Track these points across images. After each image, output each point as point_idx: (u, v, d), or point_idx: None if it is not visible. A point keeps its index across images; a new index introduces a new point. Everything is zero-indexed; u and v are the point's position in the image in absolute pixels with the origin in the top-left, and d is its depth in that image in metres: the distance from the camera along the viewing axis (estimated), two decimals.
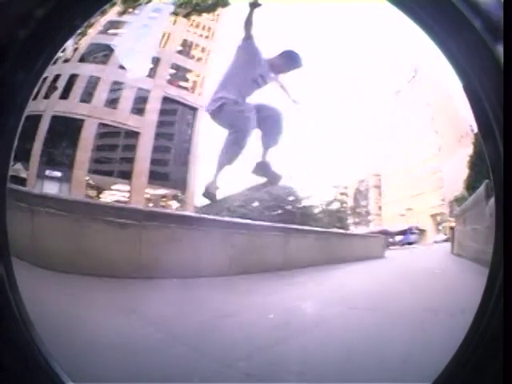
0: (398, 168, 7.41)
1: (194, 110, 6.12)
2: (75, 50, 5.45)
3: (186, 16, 5.96)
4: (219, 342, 1.69)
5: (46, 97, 5.20)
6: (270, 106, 3.98)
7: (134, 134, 5.77)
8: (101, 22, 5.46)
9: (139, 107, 5.82)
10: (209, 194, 3.91)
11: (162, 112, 5.85)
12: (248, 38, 3.70)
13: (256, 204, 5.27)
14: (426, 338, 1.68)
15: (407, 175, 7.30)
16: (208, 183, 3.95)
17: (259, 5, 3.48)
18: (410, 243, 7.19)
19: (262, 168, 3.95)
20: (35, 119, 5.10)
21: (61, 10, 0.68)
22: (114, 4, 5.21)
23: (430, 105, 6.62)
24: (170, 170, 6.16)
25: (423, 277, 3.72)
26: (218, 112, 3.88)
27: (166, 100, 5.93)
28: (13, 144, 0.72)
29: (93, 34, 5.59)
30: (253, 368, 1.45)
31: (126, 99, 5.78)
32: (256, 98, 4.02)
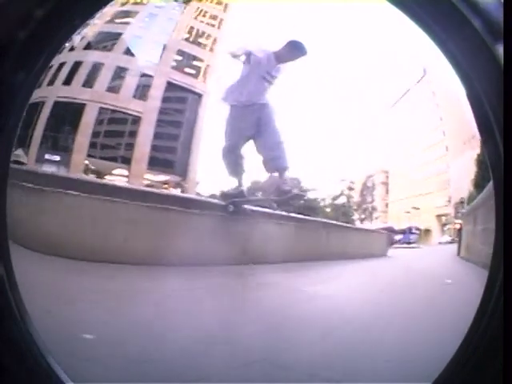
0: (406, 166, 7.40)
1: (198, 96, 6.09)
2: (81, 39, 5.44)
3: (187, 2, 5.95)
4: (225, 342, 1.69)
5: (50, 84, 5.19)
6: (270, 124, 4.14)
7: (135, 119, 5.76)
8: (107, 11, 5.45)
9: (142, 92, 5.81)
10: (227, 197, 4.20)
11: (165, 97, 5.83)
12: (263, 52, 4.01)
13: (259, 193, 5.30)
14: (427, 338, 1.68)
15: (415, 174, 7.29)
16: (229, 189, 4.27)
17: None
18: (409, 243, 7.14)
19: (279, 194, 4.13)
20: (37, 105, 5.09)
21: (61, 10, 0.68)
22: None
23: (439, 105, 6.62)
24: (170, 156, 6.13)
25: (431, 284, 3.59)
26: (231, 112, 4.15)
27: (170, 86, 5.91)
28: (12, 144, 0.72)
29: (99, 23, 5.57)
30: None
31: (129, 84, 5.78)
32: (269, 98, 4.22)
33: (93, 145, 5.59)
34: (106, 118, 5.76)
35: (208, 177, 5.83)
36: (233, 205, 4.14)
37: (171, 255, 3.47)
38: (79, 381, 0.82)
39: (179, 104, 6.15)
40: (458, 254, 6.80)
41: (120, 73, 5.78)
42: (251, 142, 4.20)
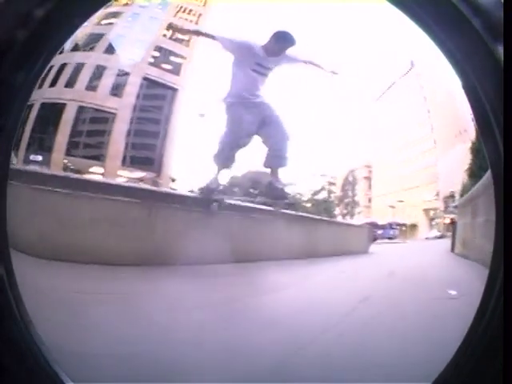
0: (391, 161, 7.28)
1: (174, 91, 6.12)
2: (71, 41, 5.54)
3: None
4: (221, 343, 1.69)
5: (39, 87, 5.28)
6: (277, 121, 4.05)
7: (111, 117, 5.82)
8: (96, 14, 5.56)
9: (119, 90, 5.88)
10: (208, 191, 4.05)
11: (141, 94, 5.89)
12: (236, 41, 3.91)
13: (236, 189, 5.22)
14: (426, 338, 1.68)
15: (400, 168, 7.17)
16: (209, 182, 4.09)
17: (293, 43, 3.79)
18: (389, 238, 6.91)
19: (272, 191, 4.06)
20: (26, 108, 5.22)
21: (61, 10, 0.68)
22: None
23: (427, 99, 6.53)
24: (145, 152, 6.18)
25: (429, 283, 3.39)
26: (226, 110, 4.02)
27: (146, 82, 5.96)
28: (12, 144, 0.72)
29: (87, 25, 5.67)
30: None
31: (107, 82, 5.87)
32: (267, 89, 4.09)
33: (71, 143, 5.69)
34: (84, 116, 5.87)
35: (183, 173, 5.84)
36: (216, 202, 4.03)
37: (167, 255, 3.49)
38: (79, 381, 0.82)
39: (155, 100, 6.21)
40: (452, 250, 6.59)
41: (100, 71, 5.87)
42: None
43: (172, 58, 6.18)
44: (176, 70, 6.17)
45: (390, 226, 6.99)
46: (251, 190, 5.32)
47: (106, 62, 5.86)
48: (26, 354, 0.74)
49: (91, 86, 5.84)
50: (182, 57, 6.16)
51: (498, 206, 0.68)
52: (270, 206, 4.53)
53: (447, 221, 6.53)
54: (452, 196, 6.37)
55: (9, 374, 0.71)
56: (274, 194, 4.09)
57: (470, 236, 5.25)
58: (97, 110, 5.80)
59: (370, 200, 7.39)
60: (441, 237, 6.61)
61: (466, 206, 5.91)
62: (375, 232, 6.73)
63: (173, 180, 6.15)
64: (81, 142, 5.79)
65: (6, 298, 0.71)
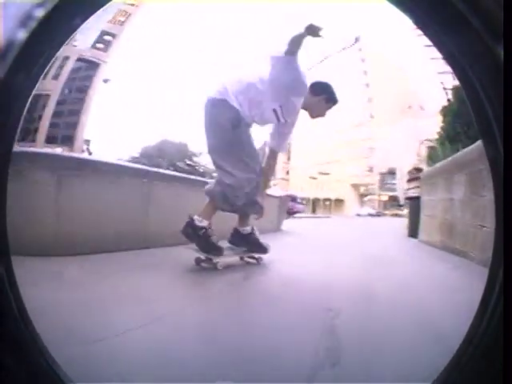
0: (314, 133, 7.14)
1: (95, 65, 6.36)
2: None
3: None
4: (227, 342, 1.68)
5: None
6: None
7: (46, 99, 6.30)
8: None
9: (58, 73, 6.30)
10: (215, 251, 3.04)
11: (73, 74, 6.27)
12: (290, 53, 2.77)
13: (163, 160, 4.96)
14: (426, 338, 1.68)
15: (326, 141, 7.03)
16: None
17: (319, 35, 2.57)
18: (294, 212, 6.53)
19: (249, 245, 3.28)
20: None
21: (61, 10, 0.69)
22: None
23: (368, 73, 6.41)
24: (63, 128, 6.59)
25: (427, 281, 3.41)
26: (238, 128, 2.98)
27: (80, 62, 6.37)
28: (12, 144, 0.72)
29: None
30: None
31: (54, 69, 6.30)
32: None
33: (22, 130, 6.02)
34: (36, 103, 6.32)
35: (99, 146, 6.03)
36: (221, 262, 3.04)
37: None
38: (79, 381, 0.82)
39: (85, 79, 6.61)
40: (413, 235, 5.73)
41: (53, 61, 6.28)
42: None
43: (105, 38, 6.47)
44: (106, 48, 6.47)
45: (295, 200, 6.64)
46: (178, 163, 5.02)
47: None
48: (26, 353, 0.74)
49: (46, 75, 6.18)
50: (112, 35, 6.44)
51: (497, 205, 0.69)
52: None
53: (384, 198, 6.30)
54: (392, 172, 6.16)
55: (9, 373, 0.71)
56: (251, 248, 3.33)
57: (463, 220, 3.98)
58: (41, 95, 6.28)
59: (287, 173, 7.21)
60: (377, 215, 6.29)
61: (443, 176, 4.92)
62: (293, 205, 6.15)
63: (90, 153, 6.49)
64: (28, 127, 6.25)
65: (6, 297, 0.71)
